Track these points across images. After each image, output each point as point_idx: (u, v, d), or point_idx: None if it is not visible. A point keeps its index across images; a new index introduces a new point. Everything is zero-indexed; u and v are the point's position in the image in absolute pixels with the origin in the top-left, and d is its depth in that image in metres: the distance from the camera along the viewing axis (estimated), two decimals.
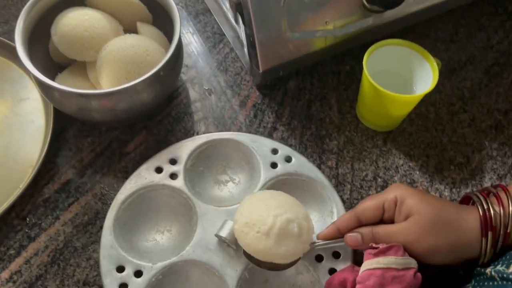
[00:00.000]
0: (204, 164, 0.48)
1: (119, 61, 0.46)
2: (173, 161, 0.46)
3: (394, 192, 0.38)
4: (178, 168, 0.46)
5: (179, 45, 0.47)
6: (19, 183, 0.47)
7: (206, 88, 0.54)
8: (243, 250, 0.40)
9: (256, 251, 0.38)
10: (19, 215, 0.46)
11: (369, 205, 0.39)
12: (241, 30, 0.48)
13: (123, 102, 0.46)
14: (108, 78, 0.47)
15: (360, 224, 0.39)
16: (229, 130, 0.51)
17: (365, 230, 0.38)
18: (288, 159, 0.47)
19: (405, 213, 0.37)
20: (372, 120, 0.51)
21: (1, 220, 0.45)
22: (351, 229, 0.39)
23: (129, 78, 0.46)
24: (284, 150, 0.47)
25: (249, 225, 0.39)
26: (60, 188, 0.47)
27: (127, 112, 0.47)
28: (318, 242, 0.41)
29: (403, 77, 0.49)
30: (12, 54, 0.53)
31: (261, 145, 0.47)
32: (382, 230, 0.38)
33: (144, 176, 0.45)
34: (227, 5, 0.50)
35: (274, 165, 0.46)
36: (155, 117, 0.52)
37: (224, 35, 0.58)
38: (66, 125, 0.51)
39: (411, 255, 0.36)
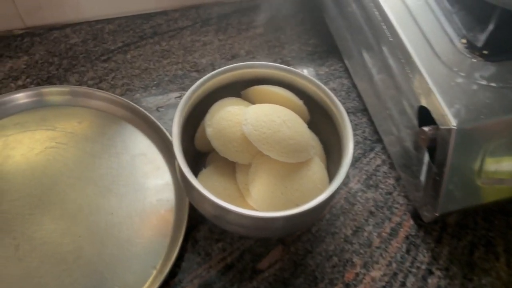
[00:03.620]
0: None
1: (277, 172, 0.41)
2: None
3: None
4: None
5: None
6: (139, 287, 0.42)
7: (352, 204, 0.48)
8: None
9: None
10: None
11: None
12: (421, 162, 0.41)
13: (271, 226, 0.40)
14: (261, 188, 0.41)
15: None
16: (376, 262, 0.44)
17: None
18: None
19: None
20: None
21: None
22: None
23: (285, 193, 0.40)
24: None
25: None
26: None
27: (268, 234, 0.41)
28: None
29: None
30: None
31: None
32: None
33: None
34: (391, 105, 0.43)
35: None
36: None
37: (376, 142, 0.52)
38: (198, 221, 0.45)
39: None
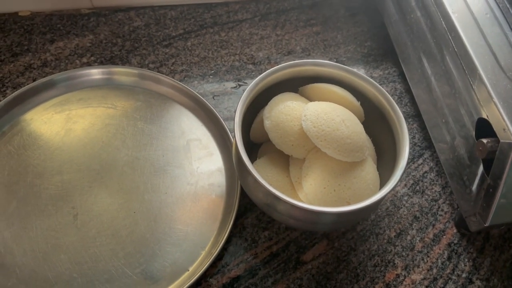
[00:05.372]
0: None
1: (331, 170, 0.42)
2: None
3: None
4: None
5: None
6: (188, 265, 0.44)
7: (397, 207, 0.49)
8: None
9: None
10: None
11: None
12: (474, 173, 0.42)
13: (321, 221, 0.41)
14: (314, 184, 0.42)
15: None
16: (417, 266, 0.45)
17: None
18: None
19: None
20: None
21: None
22: None
23: (337, 191, 0.42)
24: None
25: None
26: (228, 283, 0.43)
27: (315, 228, 0.43)
28: None
29: None
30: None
31: None
32: None
33: None
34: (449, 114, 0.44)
35: None
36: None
37: (425, 149, 0.52)
38: (246, 209, 0.47)
39: None
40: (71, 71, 0.53)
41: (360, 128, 0.43)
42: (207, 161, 0.50)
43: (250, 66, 0.58)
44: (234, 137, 0.42)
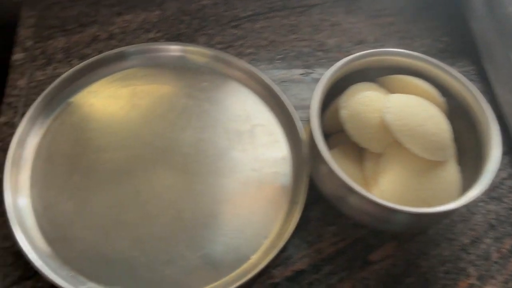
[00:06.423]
0: None
1: (411, 167, 0.40)
2: None
3: None
4: None
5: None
6: (250, 253, 0.42)
7: (472, 213, 0.46)
8: None
9: None
10: None
11: None
12: None
13: (395, 220, 0.39)
14: (391, 181, 0.40)
15: None
16: (493, 278, 0.42)
17: None
18: None
19: None
20: None
21: None
22: None
23: (417, 190, 0.39)
24: None
25: None
26: (292, 277, 0.42)
27: (387, 226, 0.40)
28: None
29: None
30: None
31: None
32: None
33: None
34: None
35: None
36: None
37: (505, 154, 0.49)
38: (311, 201, 0.45)
39: None
40: (142, 45, 0.52)
41: (446, 125, 0.41)
42: (272, 148, 0.48)
43: (320, 53, 0.55)
44: (309, 124, 0.40)
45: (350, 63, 0.43)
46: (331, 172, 0.38)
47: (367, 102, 0.41)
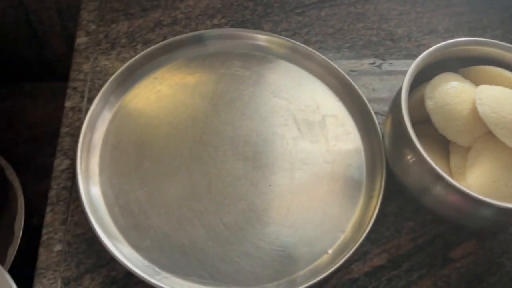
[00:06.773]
0: None
1: (503, 162, 0.38)
2: None
3: None
4: None
5: None
6: (327, 247, 0.41)
7: None
8: None
9: None
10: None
11: None
12: None
13: (480, 214, 0.37)
14: (481, 175, 0.38)
15: None
16: None
17: None
18: None
19: None
20: None
21: None
22: None
23: (510, 186, 0.37)
24: None
25: None
26: (371, 272, 0.40)
27: (468, 222, 0.39)
28: None
29: None
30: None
31: None
32: None
33: None
34: None
35: None
36: None
37: None
38: (388, 196, 0.43)
39: None
40: (217, 30, 0.51)
41: None
42: (344, 139, 0.47)
43: (389, 42, 0.53)
44: (392, 114, 0.38)
45: (441, 51, 0.41)
46: (419, 159, 0.37)
47: (455, 93, 0.40)
